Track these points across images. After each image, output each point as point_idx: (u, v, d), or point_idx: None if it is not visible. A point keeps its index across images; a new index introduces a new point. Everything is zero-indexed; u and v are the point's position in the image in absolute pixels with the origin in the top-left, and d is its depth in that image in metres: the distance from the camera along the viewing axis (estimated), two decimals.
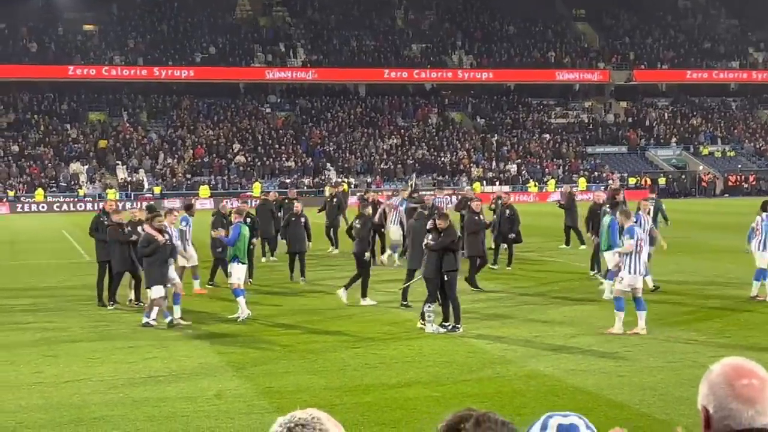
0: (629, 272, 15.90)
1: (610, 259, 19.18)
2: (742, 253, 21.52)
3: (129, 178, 69.57)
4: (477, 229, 21.22)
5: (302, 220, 23.35)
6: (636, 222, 17.66)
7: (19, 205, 64.26)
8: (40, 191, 65.41)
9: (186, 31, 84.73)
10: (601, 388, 12.28)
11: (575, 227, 28.00)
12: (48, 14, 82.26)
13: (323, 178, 71.33)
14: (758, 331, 16.07)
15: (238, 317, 17.82)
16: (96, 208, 64.13)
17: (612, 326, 15.90)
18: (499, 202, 26.50)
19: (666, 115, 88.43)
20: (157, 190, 66.75)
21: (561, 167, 77.41)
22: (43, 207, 64.24)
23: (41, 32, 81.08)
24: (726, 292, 20.63)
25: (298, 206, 24.07)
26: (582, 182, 73.65)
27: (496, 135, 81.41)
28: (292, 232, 23.28)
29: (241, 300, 18.01)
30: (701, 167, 78.55)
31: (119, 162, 71.73)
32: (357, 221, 20.25)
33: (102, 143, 73.96)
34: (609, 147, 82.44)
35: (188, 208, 23.53)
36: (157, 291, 17.02)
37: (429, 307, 16.22)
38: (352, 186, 70.34)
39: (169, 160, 72.41)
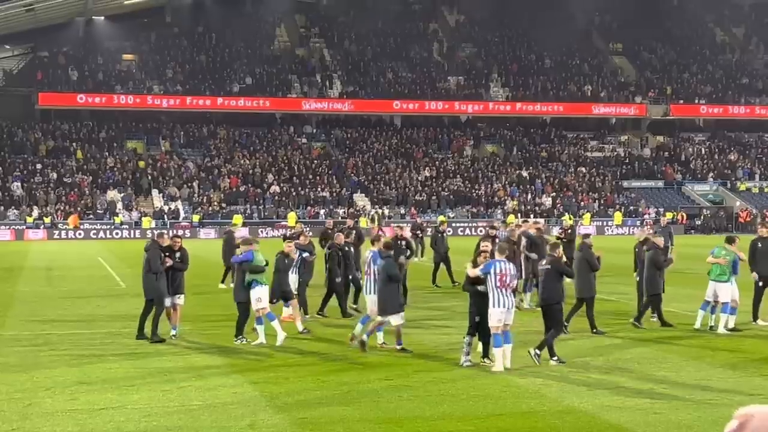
0: (496, 306, 15.64)
1: (727, 290, 19.41)
2: None
3: (165, 207, 70.06)
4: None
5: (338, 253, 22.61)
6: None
7: (56, 232, 64.82)
8: (74, 218, 65.92)
9: (224, 61, 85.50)
10: (637, 424, 12.16)
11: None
12: (88, 43, 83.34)
13: (357, 209, 71.47)
14: None
15: (278, 342, 18.18)
16: (132, 235, 64.76)
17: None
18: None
19: (703, 150, 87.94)
20: (195, 218, 67.14)
21: (596, 201, 77.10)
22: (79, 234, 64.76)
23: (81, 61, 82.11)
24: (765, 329, 20.38)
25: (339, 237, 23.13)
26: (617, 216, 73.36)
27: (531, 168, 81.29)
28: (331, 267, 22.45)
29: (274, 325, 18.40)
30: (738, 203, 77.93)
31: (156, 190, 72.28)
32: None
33: (140, 164, 74.72)
34: (645, 181, 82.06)
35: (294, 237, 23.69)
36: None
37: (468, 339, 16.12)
38: (385, 218, 70.53)
39: (206, 189, 72.89)
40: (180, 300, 19.38)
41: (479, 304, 15.91)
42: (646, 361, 16.46)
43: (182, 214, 69.35)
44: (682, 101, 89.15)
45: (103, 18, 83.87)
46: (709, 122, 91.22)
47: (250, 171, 75.61)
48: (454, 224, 69.90)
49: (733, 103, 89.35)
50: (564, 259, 17.93)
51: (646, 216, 74.59)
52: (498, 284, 15.66)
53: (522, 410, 13.01)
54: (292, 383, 14.77)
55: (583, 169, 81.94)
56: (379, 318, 17.49)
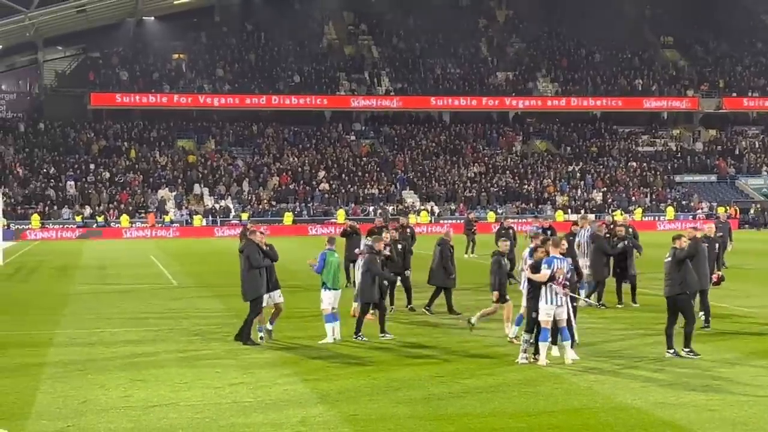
0: (545, 302, 15.63)
1: None
2: None
3: (216, 205, 70.55)
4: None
5: (398, 247, 22.25)
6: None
7: (117, 231, 65.34)
8: (125, 217, 66.66)
9: (273, 60, 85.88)
10: (691, 422, 12.04)
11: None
12: (138, 43, 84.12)
13: (406, 205, 71.47)
14: None
15: (325, 342, 18.12)
16: (184, 234, 65.32)
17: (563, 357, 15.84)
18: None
19: (756, 143, 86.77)
20: (244, 216, 67.59)
21: (648, 196, 76.38)
22: (136, 233, 65.34)
23: (132, 61, 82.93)
24: None
25: (387, 235, 21.99)
26: (670, 211, 72.63)
27: (581, 163, 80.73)
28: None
29: (327, 326, 18.32)
30: None
31: (206, 188, 72.80)
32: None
33: (191, 158, 75.38)
34: (698, 176, 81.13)
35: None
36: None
37: (526, 336, 16.05)
38: (435, 215, 70.45)
39: (255, 187, 73.30)
40: (280, 297, 18.88)
41: (537, 301, 15.87)
42: (700, 357, 16.27)
43: (232, 212, 69.79)
44: (734, 94, 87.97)
45: (153, 18, 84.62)
46: (762, 115, 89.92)
47: (299, 169, 75.90)
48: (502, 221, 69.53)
49: None
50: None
51: (699, 210, 73.81)
52: (560, 280, 15.67)
53: (574, 407, 12.93)
54: (343, 380, 14.80)
55: (635, 164, 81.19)
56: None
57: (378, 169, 77.29)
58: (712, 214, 72.67)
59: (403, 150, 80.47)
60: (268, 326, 18.77)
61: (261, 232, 19.04)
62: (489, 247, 29.21)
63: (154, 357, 17.06)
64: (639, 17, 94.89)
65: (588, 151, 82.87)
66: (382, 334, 18.66)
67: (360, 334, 18.49)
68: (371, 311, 18.87)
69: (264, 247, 18.47)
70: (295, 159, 77.52)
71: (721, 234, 21.62)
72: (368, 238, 22.73)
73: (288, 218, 68.17)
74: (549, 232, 24.10)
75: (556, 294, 15.71)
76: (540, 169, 79.29)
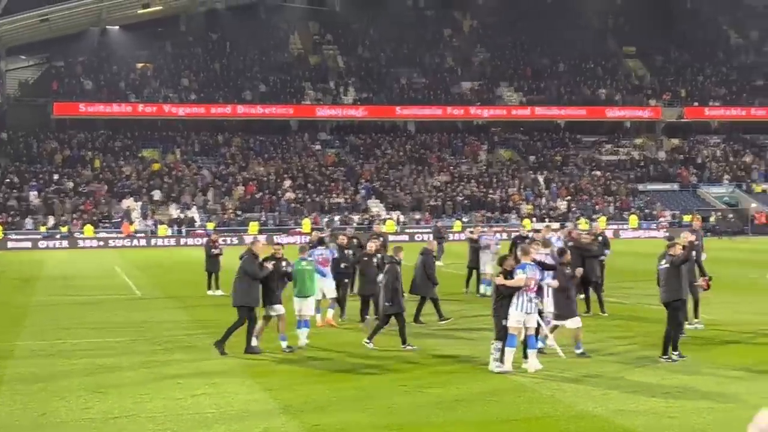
0: (515, 309, 15.75)
1: None
2: None
3: (181, 215, 70.26)
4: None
5: (374, 260, 21.76)
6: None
7: (80, 241, 64.93)
8: (88, 227, 66.23)
9: (238, 69, 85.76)
10: (650, 429, 12.14)
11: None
12: (103, 53, 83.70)
13: (371, 215, 71.52)
14: None
15: (293, 347, 18.44)
16: (149, 244, 65.01)
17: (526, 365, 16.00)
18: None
19: (718, 152, 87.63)
20: (210, 225, 67.34)
21: (612, 204, 76.92)
22: (99, 243, 64.93)
23: (96, 70, 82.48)
24: None
25: (371, 245, 22.31)
26: (633, 220, 73.14)
27: (545, 172, 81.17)
28: (364, 272, 21.86)
29: (300, 332, 18.91)
30: (754, 205, 77.57)
31: (171, 198, 72.45)
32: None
33: (155, 166, 75.07)
34: (660, 184, 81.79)
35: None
36: None
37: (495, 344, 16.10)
38: (400, 223, 70.59)
39: (220, 197, 73.09)
40: (280, 310, 18.69)
41: (507, 308, 15.93)
42: (660, 366, 16.42)
43: (197, 222, 69.54)
44: (696, 104, 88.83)
45: (117, 28, 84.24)
46: (723, 124, 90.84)
47: (265, 178, 75.78)
48: (468, 229, 69.80)
49: (747, 105, 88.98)
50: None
51: (662, 219, 74.41)
52: (524, 288, 15.73)
53: (536, 415, 13.00)
54: (306, 389, 14.79)
55: (598, 173, 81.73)
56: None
57: (344, 178, 77.33)
58: (674, 222, 73.37)
59: (368, 159, 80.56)
60: (282, 343, 18.68)
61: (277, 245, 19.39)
62: (458, 257, 29.35)
63: (116, 368, 16.96)
64: (602, 27, 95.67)
65: (552, 160, 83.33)
66: (404, 345, 18.44)
67: (370, 341, 18.60)
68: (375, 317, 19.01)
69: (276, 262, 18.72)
70: (261, 168, 77.38)
71: (697, 242, 21.89)
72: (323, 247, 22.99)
73: (253, 228, 67.96)
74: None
75: (529, 301, 15.80)
76: (505, 178, 79.63)
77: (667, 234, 23.72)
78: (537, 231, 29.60)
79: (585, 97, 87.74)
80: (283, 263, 18.87)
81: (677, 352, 16.80)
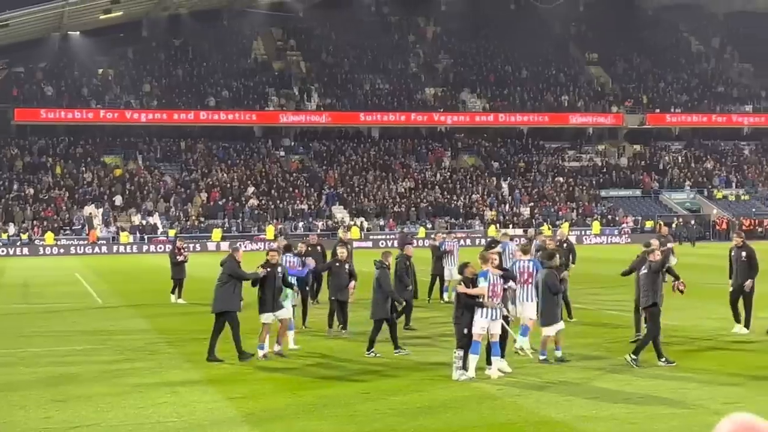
0: (480, 316, 15.78)
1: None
2: (760, 297, 21.45)
3: (143, 221, 69.82)
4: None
5: (346, 266, 21.28)
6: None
7: (41, 249, 64.38)
8: (49, 234, 65.68)
9: (201, 75, 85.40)
10: None
11: None
12: (64, 58, 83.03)
13: (335, 221, 71.46)
14: None
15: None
16: (111, 251, 64.54)
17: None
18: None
19: (679, 158, 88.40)
20: (171, 232, 66.99)
21: (575, 210, 77.37)
22: (61, 250, 64.39)
23: (57, 76, 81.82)
24: (742, 337, 20.45)
25: (342, 252, 21.67)
26: (596, 226, 73.60)
27: (509, 178, 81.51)
28: (336, 279, 21.40)
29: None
30: (715, 211, 78.34)
31: (133, 205, 71.99)
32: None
33: (117, 172, 74.57)
34: (623, 190, 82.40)
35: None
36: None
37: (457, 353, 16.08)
38: (364, 230, 70.58)
39: (183, 204, 72.73)
40: (285, 314, 18.75)
41: (469, 316, 15.92)
42: (623, 371, 16.50)
43: (160, 229, 69.13)
44: (658, 110, 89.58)
45: (78, 33, 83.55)
46: (685, 131, 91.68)
47: (228, 185, 75.51)
48: (433, 235, 69.94)
49: (708, 112, 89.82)
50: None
51: (624, 225, 74.95)
52: (489, 294, 15.72)
53: (499, 422, 13.01)
54: (269, 398, 14.72)
55: (561, 179, 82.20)
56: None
57: (307, 184, 77.22)
58: (637, 228, 73.96)
59: (332, 165, 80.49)
60: (276, 347, 18.64)
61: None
62: (422, 263, 29.30)
63: (77, 377, 16.79)
64: (565, 34, 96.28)
65: (516, 166, 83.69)
66: (397, 350, 18.53)
67: (372, 350, 18.42)
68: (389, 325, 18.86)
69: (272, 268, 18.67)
70: (224, 175, 77.09)
71: (668, 246, 22.23)
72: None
73: (216, 234, 67.73)
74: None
75: (493, 308, 15.79)
76: (468, 184, 79.87)
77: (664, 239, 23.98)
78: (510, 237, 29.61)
79: (548, 103, 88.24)
80: (279, 269, 18.79)
81: (635, 357, 16.84)
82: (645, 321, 17.77)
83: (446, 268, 27.75)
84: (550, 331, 17.38)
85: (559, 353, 17.45)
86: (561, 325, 17.57)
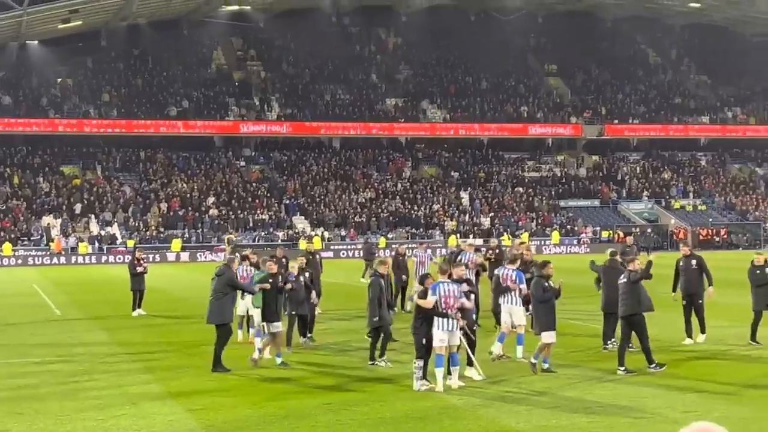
0: (437, 328, 15.75)
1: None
2: (716, 306, 21.69)
3: (102, 232, 69.29)
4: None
5: (302, 279, 20.79)
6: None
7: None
8: (7, 245, 65.00)
9: (161, 85, 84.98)
10: None
11: None
12: (22, 68, 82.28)
13: (297, 231, 71.36)
14: (731, 386, 16.07)
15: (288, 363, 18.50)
16: (69, 261, 63.95)
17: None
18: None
19: (637, 169, 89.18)
20: (130, 243, 66.53)
21: (534, 221, 77.80)
22: (18, 261, 63.76)
23: (15, 86, 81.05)
24: (699, 347, 20.66)
25: (294, 264, 21.40)
26: (555, 236, 74.04)
27: (469, 188, 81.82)
28: (293, 293, 20.69)
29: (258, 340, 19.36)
30: (672, 221, 79.12)
31: (92, 215, 71.48)
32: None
33: (76, 181, 73.98)
34: (582, 201, 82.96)
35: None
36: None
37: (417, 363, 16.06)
38: (326, 240, 70.50)
39: (143, 214, 72.29)
40: (278, 327, 18.70)
41: (427, 327, 15.91)
42: (584, 381, 16.61)
43: (119, 239, 68.64)
44: (616, 121, 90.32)
45: (37, 42, 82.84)
46: (643, 142, 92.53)
47: (188, 195, 75.15)
48: (394, 245, 69.99)
49: (666, 123, 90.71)
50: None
51: (583, 235, 75.46)
52: (443, 306, 15.73)
53: None
54: (229, 410, 14.66)
55: (521, 189, 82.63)
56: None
57: (268, 194, 77.04)
58: (596, 238, 74.48)
59: (293, 176, 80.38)
60: (277, 359, 18.63)
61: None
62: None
63: (35, 390, 16.63)
64: (524, 46, 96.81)
65: (476, 176, 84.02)
66: (380, 360, 18.48)
67: (374, 360, 18.45)
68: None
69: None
70: (184, 185, 76.72)
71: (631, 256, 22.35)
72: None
73: (176, 245, 67.37)
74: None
75: (451, 320, 15.79)
76: (429, 194, 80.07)
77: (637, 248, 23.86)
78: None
79: (508, 114, 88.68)
80: (279, 278, 18.94)
81: (624, 367, 17.16)
82: (622, 328, 17.87)
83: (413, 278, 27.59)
84: (548, 337, 17.25)
85: (546, 365, 17.45)
86: (553, 335, 17.55)
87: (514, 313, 18.91)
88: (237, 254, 22.33)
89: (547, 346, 17.35)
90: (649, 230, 75.49)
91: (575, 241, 73.87)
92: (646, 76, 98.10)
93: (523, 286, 18.99)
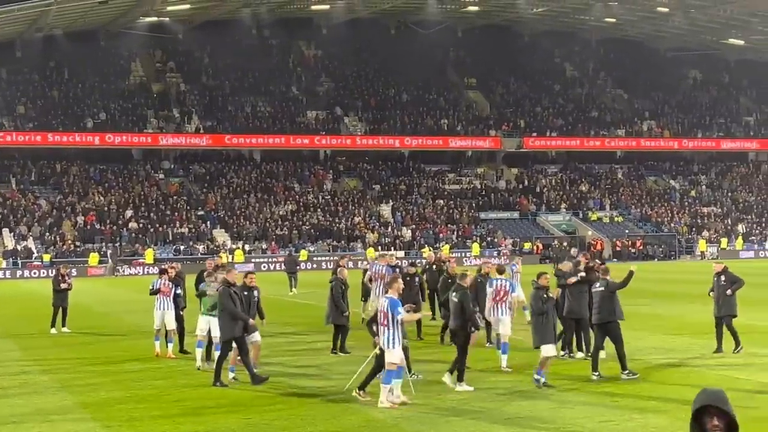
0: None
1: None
2: (653, 317, 21.96)
3: (17, 246, 67.94)
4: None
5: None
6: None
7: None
8: None
9: (77, 97, 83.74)
10: None
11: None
12: None
13: (217, 245, 70.82)
14: (654, 400, 16.29)
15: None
16: None
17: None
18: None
19: (555, 181, 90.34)
20: (46, 257, 65.31)
21: (455, 232, 78.31)
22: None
23: None
24: (611, 358, 20.88)
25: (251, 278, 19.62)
26: (475, 247, 74.59)
27: (390, 201, 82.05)
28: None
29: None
30: (590, 232, 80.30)
31: (6, 229, 70.07)
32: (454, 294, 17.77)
33: None
34: (501, 212, 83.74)
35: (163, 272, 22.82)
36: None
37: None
38: (247, 252, 70.07)
39: (59, 228, 71.06)
40: (256, 337, 18.47)
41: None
42: (506, 392, 16.68)
43: (35, 254, 67.36)
44: (534, 134, 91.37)
45: None
46: (561, 154, 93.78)
47: (106, 208, 74.11)
48: (315, 258, 69.99)
49: (583, 136, 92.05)
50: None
51: (503, 246, 76.16)
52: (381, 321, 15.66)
53: None
54: (146, 426, 14.42)
55: (441, 202, 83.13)
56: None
57: (188, 207, 76.34)
58: (515, 249, 75.21)
59: (213, 188, 79.78)
60: (230, 372, 18.27)
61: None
62: (312, 286, 29.15)
63: None
64: (444, 59, 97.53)
65: (397, 189, 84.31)
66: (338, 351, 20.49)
67: (336, 350, 19.39)
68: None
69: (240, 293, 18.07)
70: (101, 198, 75.64)
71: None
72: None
73: (93, 259, 66.35)
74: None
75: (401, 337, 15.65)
76: (350, 206, 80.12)
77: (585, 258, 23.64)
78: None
79: (428, 127, 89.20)
80: (255, 292, 18.66)
81: (597, 373, 17.62)
82: (596, 335, 18.45)
83: (372, 292, 26.64)
84: (548, 351, 17.13)
85: (543, 378, 17.21)
86: (552, 348, 17.43)
87: (504, 322, 19.62)
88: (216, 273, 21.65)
89: (547, 360, 17.26)
90: (564, 242, 76.28)
91: (495, 253, 74.44)
92: (564, 89, 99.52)
93: (515, 294, 20.30)
